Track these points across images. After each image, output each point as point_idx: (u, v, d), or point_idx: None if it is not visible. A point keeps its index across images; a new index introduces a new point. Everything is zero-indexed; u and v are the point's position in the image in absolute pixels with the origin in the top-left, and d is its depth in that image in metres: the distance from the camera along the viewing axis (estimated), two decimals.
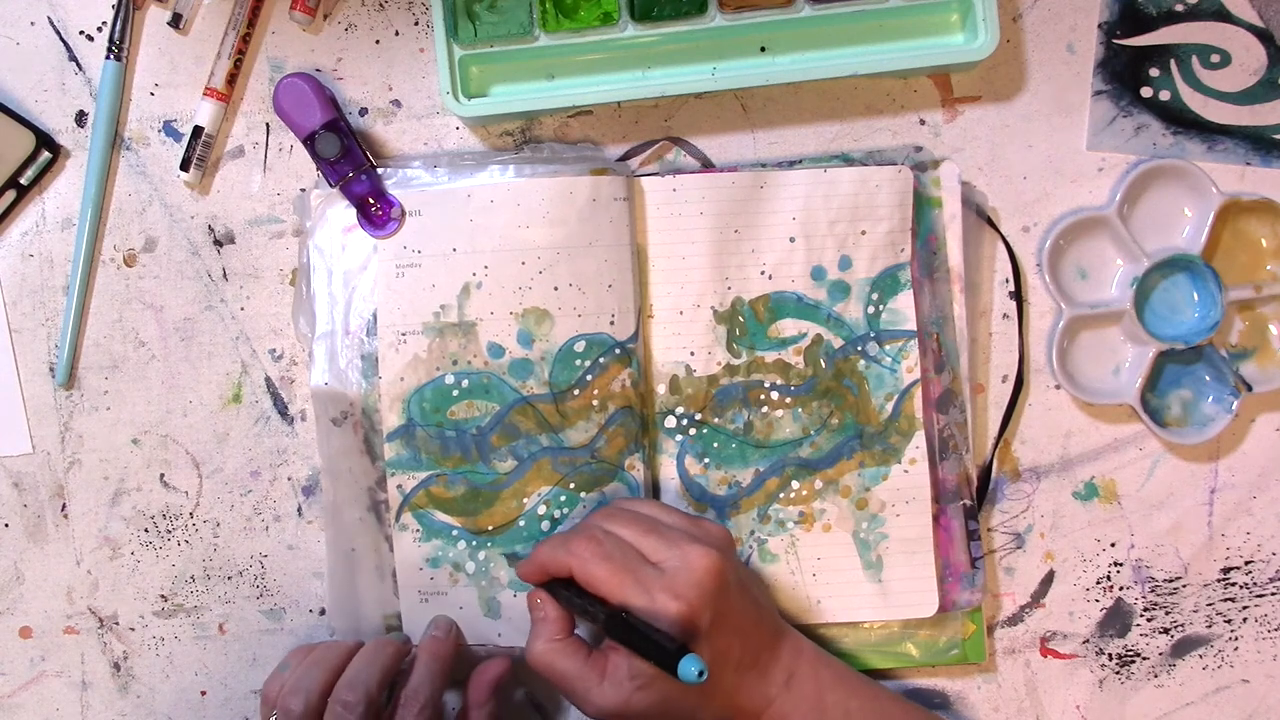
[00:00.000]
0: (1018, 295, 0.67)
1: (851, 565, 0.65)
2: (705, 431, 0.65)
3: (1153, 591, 0.68)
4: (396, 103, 0.67)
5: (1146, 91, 0.67)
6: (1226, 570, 0.68)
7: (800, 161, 0.66)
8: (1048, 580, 0.68)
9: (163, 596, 0.67)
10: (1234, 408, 0.66)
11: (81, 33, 0.67)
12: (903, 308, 0.65)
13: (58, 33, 0.67)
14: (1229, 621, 0.68)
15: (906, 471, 0.65)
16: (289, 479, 0.67)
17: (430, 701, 0.59)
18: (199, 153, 0.66)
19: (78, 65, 0.67)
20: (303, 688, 0.58)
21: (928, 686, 0.67)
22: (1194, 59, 0.67)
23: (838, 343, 0.65)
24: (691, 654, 0.50)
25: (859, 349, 0.65)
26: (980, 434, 0.67)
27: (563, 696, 0.58)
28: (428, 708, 0.59)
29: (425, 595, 0.64)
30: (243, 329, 0.67)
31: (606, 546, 0.57)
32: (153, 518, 0.67)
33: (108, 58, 0.66)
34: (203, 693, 0.67)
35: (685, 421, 0.65)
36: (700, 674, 0.50)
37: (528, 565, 0.60)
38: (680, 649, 0.51)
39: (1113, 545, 0.68)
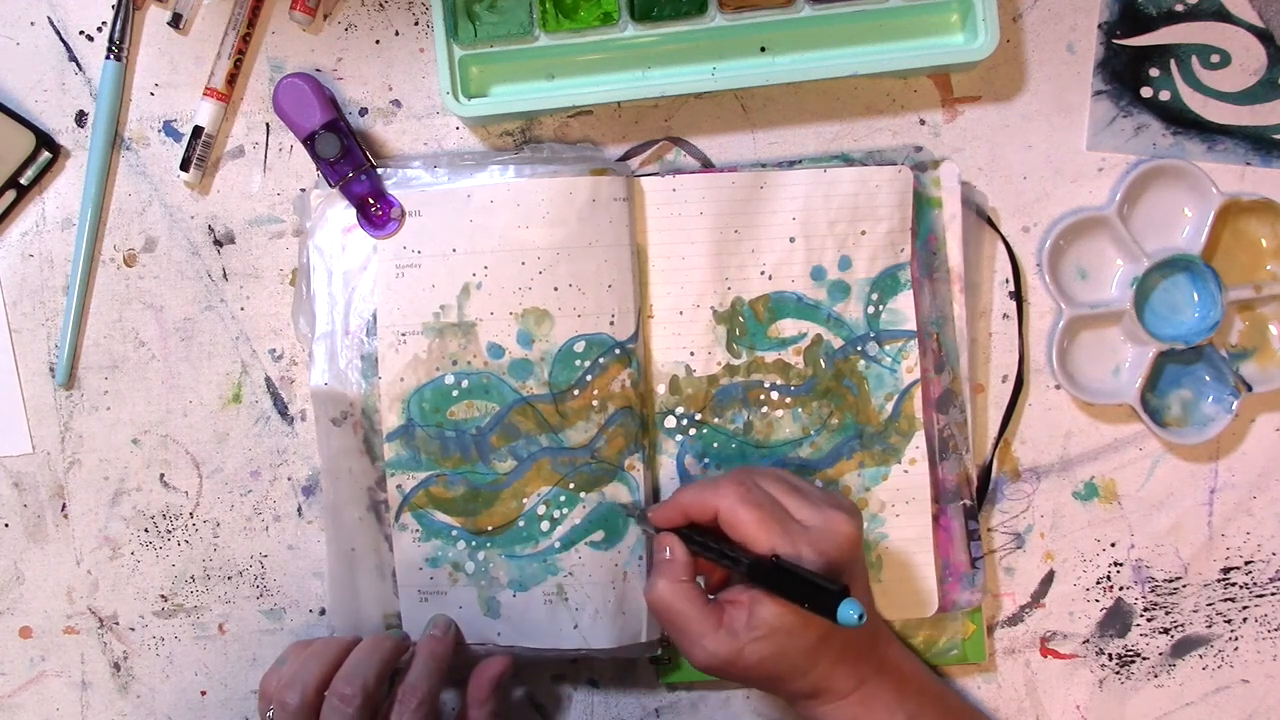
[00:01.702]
0: (1018, 295, 0.67)
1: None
2: (705, 431, 0.65)
3: (1153, 591, 0.68)
4: (396, 103, 0.67)
5: (1146, 91, 0.67)
6: (1226, 570, 0.68)
7: (800, 161, 0.66)
8: (1048, 580, 0.68)
9: (163, 596, 0.67)
10: (1234, 408, 0.66)
11: (81, 33, 0.67)
12: (903, 308, 0.65)
13: (58, 33, 0.67)
14: (1229, 621, 0.68)
15: (906, 471, 0.65)
16: (289, 479, 0.67)
17: (428, 698, 0.59)
18: (199, 153, 0.66)
19: (78, 65, 0.67)
20: (299, 681, 0.58)
21: None
22: (1194, 59, 0.67)
23: (838, 343, 0.65)
24: (852, 597, 0.51)
25: (859, 349, 0.65)
26: (980, 434, 0.67)
27: (673, 639, 0.58)
28: (425, 704, 0.59)
29: (425, 595, 0.64)
30: (243, 329, 0.67)
31: (756, 494, 0.57)
32: (153, 518, 0.67)
33: (108, 58, 0.66)
34: (203, 693, 0.67)
35: (685, 421, 0.65)
36: (860, 617, 0.51)
37: (666, 508, 0.60)
38: (843, 590, 0.52)
39: (1113, 545, 0.68)
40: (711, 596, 0.58)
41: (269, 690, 0.59)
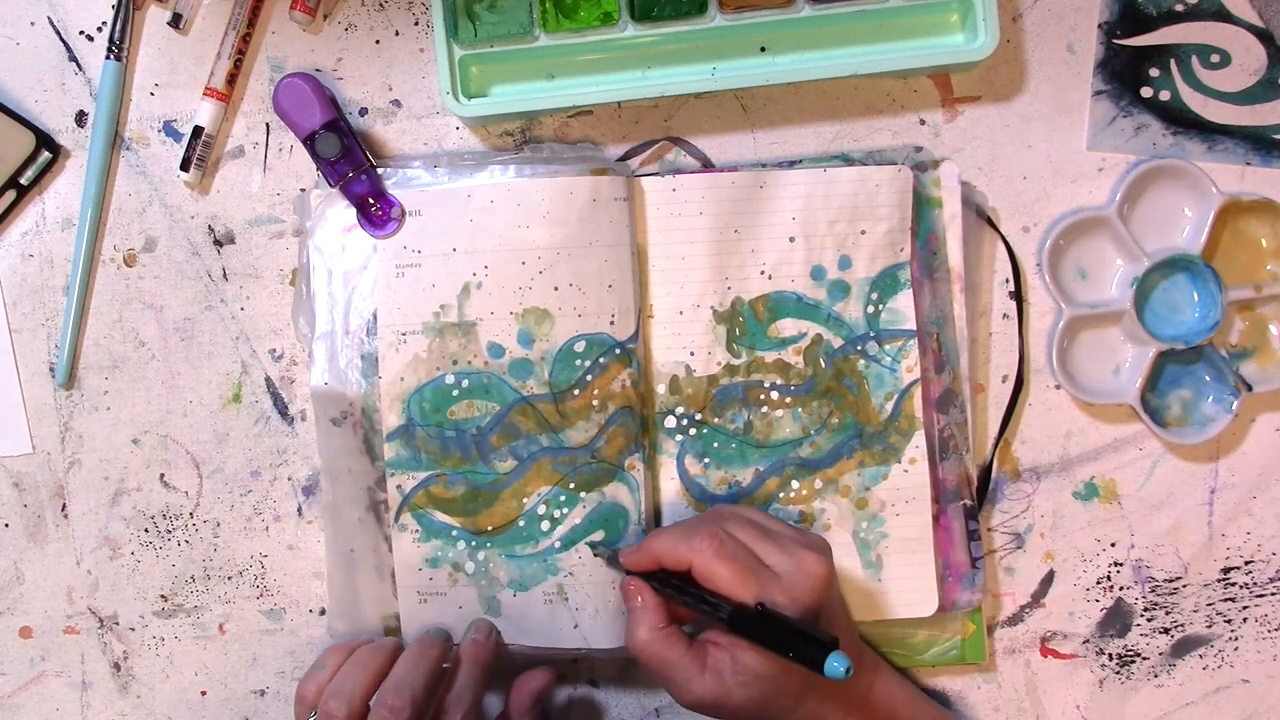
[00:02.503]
0: (1018, 295, 0.67)
1: (851, 565, 0.65)
2: (705, 431, 0.65)
3: (1153, 591, 0.68)
4: (396, 103, 0.67)
5: (1146, 91, 0.67)
6: (1226, 570, 0.68)
7: (800, 161, 0.66)
8: (1048, 580, 0.68)
9: (163, 596, 0.67)
10: (1234, 408, 0.66)
11: (81, 33, 0.67)
12: (902, 307, 0.65)
13: (58, 33, 0.67)
14: (1229, 621, 0.68)
15: (906, 471, 0.65)
16: (289, 479, 0.67)
17: (474, 706, 0.59)
18: (199, 153, 0.66)
19: (78, 65, 0.67)
20: (345, 691, 0.57)
21: (928, 686, 0.67)
22: (1194, 59, 0.67)
23: (837, 342, 0.65)
24: (840, 651, 0.51)
25: (859, 349, 0.65)
26: (980, 434, 0.67)
27: (660, 682, 0.58)
28: (471, 713, 0.59)
29: (424, 596, 0.64)
30: (243, 329, 0.67)
31: (729, 546, 0.57)
32: (153, 518, 0.67)
33: (108, 58, 0.66)
34: (203, 693, 0.67)
35: (685, 421, 0.65)
36: (847, 671, 0.51)
37: (638, 554, 0.59)
38: (833, 642, 0.52)
39: (1113, 545, 0.68)
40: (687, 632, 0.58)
41: (309, 697, 0.58)
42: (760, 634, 0.54)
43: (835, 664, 0.51)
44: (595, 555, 0.63)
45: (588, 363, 0.64)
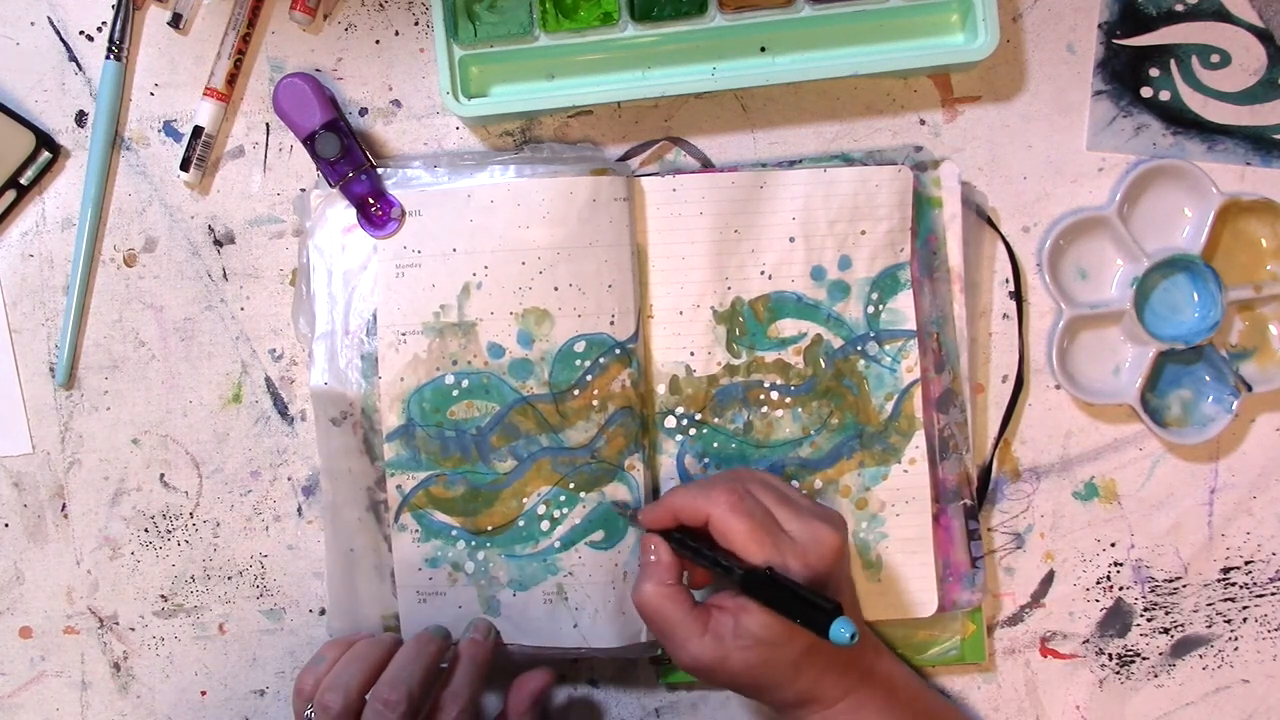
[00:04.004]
0: (1018, 295, 0.67)
1: (851, 565, 0.65)
2: (705, 431, 0.65)
3: (1153, 591, 0.68)
4: (396, 103, 0.67)
5: (1146, 91, 0.67)
6: (1226, 570, 0.68)
7: (800, 161, 0.66)
8: (1048, 580, 0.68)
9: (163, 596, 0.67)
10: (1234, 408, 0.66)
11: (81, 33, 0.67)
12: (902, 307, 0.65)
13: (58, 33, 0.67)
14: (1229, 621, 0.68)
15: (906, 471, 0.65)
16: (289, 479, 0.67)
17: (470, 703, 0.59)
18: (199, 153, 0.66)
19: (78, 65, 0.67)
20: (341, 684, 0.57)
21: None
22: (1194, 59, 0.67)
23: (837, 343, 0.65)
24: (845, 616, 0.51)
25: (859, 349, 0.65)
26: (980, 434, 0.67)
27: (659, 640, 0.59)
28: (468, 710, 0.59)
29: (424, 595, 0.64)
30: (243, 329, 0.67)
31: (747, 502, 0.57)
32: (153, 518, 0.67)
33: (108, 58, 0.66)
34: (203, 693, 0.67)
35: (685, 421, 0.65)
36: (852, 637, 0.51)
37: (657, 509, 0.60)
38: (836, 609, 0.52)
39: (1113, 545, 0.68)
40: (697, 596, 0.58)
41: (307, 690, 0.58)
42: (769, 597, 0.54)
43: (841, 629, 0.51)
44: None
45: (588, 363, 0.64)
